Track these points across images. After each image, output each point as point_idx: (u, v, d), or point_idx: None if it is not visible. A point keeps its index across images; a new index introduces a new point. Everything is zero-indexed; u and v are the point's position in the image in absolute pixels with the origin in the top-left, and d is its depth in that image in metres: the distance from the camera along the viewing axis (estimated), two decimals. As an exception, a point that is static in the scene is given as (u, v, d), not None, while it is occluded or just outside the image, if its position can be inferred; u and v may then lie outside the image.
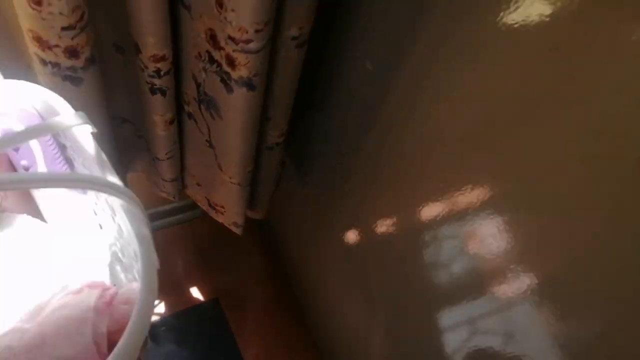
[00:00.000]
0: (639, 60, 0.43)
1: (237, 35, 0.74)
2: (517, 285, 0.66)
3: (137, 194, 1.17)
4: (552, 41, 0.50)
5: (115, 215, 0.42)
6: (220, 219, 1.39)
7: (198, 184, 1.27)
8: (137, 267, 0.39)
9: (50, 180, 0.30)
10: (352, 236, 1.21)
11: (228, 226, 1.41)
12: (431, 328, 0.94)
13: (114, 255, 0.45)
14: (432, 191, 0.79)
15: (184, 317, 1.59)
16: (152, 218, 1.70)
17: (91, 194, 0.47)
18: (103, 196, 0.43)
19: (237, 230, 1.40)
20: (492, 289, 0.73)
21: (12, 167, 0.49)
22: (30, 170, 0.47)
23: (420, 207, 0.84)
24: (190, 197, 1.36)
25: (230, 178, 1.14)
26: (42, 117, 0.44)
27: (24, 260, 0.42)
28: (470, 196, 0.71)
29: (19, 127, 0.44)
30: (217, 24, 0.73)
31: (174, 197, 1.31)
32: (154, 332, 1.55)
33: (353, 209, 1.12)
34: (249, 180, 1.15)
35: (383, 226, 1.03)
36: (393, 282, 1.06)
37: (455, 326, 0.87)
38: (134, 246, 0.39)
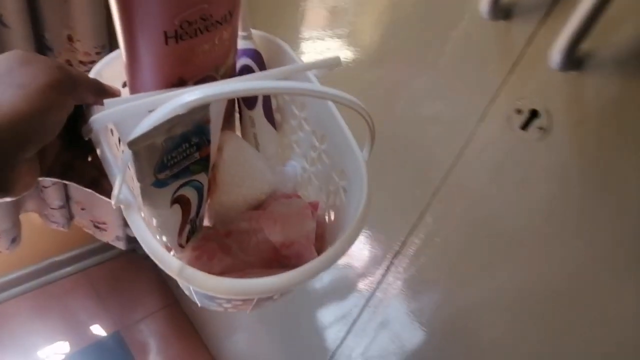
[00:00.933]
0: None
1: (84, 59, 1.04)
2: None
3: (32, 243, 1.41)
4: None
5: (323, 143, 0.48)
6: (105, 237, 1.56)
7: (82, 209, 1.44)
8: (342, 184, 0.46)
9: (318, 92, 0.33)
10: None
11: (112, 242, 1.58)
12: (314, 327, 1.08)
13: (306, 178, 0.53)
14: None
15: (88, 353, 1.69)
16: (47, 270, 1.80)
17: (290, 127, 0.53)
18: (308, 128, 0.50)
19: (120, 244, 1.58)
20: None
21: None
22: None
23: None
24: (78, 225, 1.51)
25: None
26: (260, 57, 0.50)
27: (242, 165, 0.48)
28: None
29: (250, 63, 0.49)
30: (71, 55, 1.00)
31: (63, 227, 1.46)
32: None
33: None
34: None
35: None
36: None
37: (334, 322, 1.02)
38: (342, 167, 0.45)
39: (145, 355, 1.73)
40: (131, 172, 0.34)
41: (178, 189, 0.38)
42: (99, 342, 1.73)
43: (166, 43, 0.37)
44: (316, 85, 0.34)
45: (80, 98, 0.37)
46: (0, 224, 1.28)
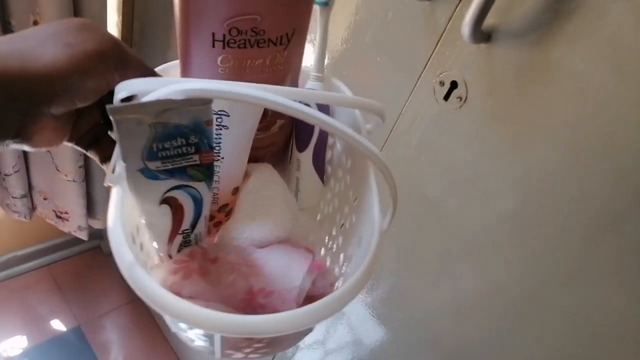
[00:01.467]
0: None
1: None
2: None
3: None
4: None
5: (348, 207, 0.46)
6: (67, 227, 1.57)
7: (45, 198, 1.46)
8: (357, 252, 0.41)
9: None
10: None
11: (74, 233, 1.60)
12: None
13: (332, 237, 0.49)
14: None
15: (47, 348, 1.69)
16: (9, 264, 1.80)
17: (336, 178, 0.51)
18: (349, 182, 0.47)
19: (83, 235, 1.59)
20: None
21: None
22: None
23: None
24: (40, 215, 1.52)
25: (66, 176, 1.36)
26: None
27: (262, 198, 0.46)
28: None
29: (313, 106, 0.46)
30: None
31: (25, 218, 1.47)
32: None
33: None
34: (82, 176, 1.37)
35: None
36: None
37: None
38: (360, 232, 0.41)
39: (106, 350, 1.74)
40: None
41: (171, 189, 0.36)
42: (58, 337, 1.74)
43: (213, 46, 0.37)
44: (339, 123, 0.31)
45: (127, 77, 0.36)
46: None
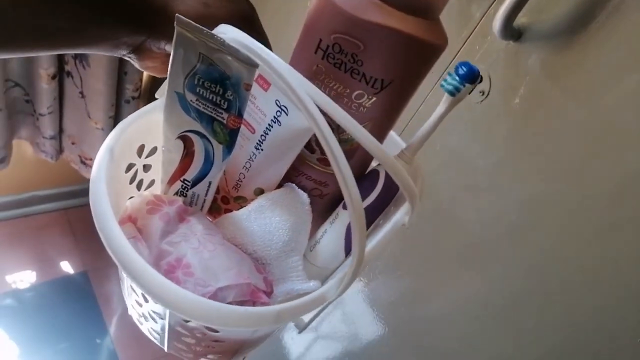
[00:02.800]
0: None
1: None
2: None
3: (18, 173, 1.48)
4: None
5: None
6: (89, 174, 1.60)
7: (73, 143, 1.49)
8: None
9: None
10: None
11: (97, 180, 1.63)
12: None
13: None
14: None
15: (54, 286, 1.73)
16: (30, 202, 1.87)
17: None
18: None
19: (105, 184, 1.62)
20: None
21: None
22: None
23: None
24: (66, 159, 1.56)
25: (96, 124, 1.39)
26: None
27: (270, 213, 0.43)
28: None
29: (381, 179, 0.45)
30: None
31: (52, 159, 1.51)
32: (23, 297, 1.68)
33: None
34: (111, 127, 1.41)
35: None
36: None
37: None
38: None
39: (108, 300, 1.79)
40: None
41: (194, 131, 0.38)
42: (66, 278, 1.81)
43: (315, 52, 0.38)
44: (342, 156, 0.30)
45: None
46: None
